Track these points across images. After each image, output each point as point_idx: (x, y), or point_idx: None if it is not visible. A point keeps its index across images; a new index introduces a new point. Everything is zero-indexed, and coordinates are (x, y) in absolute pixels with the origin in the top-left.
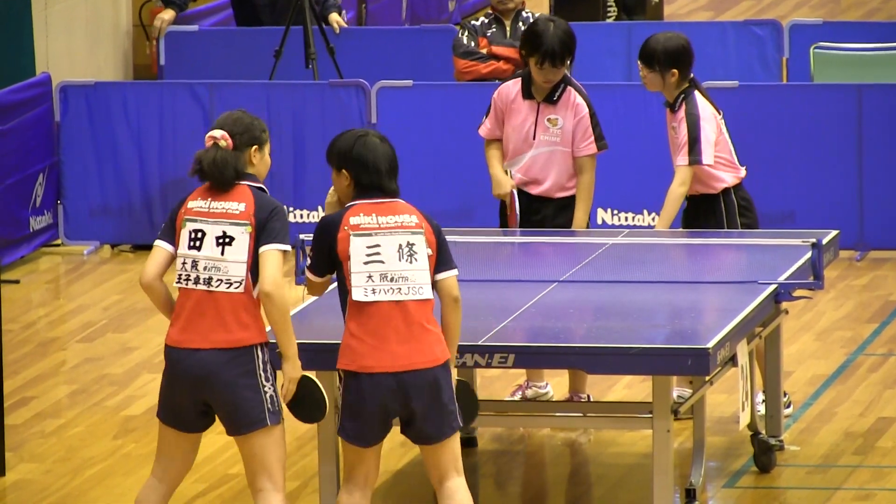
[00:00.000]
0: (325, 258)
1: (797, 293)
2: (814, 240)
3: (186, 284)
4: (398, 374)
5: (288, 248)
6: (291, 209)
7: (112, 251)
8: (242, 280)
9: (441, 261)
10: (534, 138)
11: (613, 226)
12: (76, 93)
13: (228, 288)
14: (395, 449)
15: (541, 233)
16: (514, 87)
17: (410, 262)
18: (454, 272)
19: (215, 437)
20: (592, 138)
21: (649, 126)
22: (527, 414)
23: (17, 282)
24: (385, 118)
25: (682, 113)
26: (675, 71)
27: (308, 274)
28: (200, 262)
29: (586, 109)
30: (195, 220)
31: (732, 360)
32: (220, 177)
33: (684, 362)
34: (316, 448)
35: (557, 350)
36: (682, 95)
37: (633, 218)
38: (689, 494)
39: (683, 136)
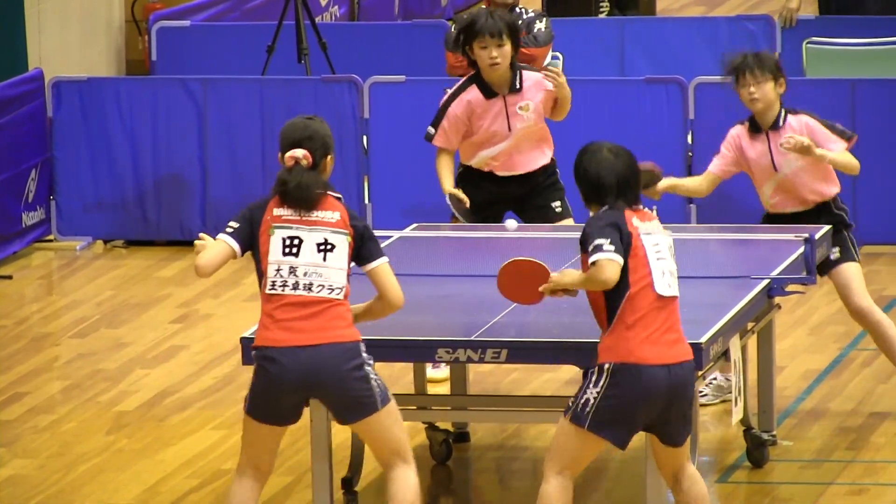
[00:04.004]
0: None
1: (790, 288)
2: (806, 235)
3: (283, 290)
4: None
5: (387, 258)
6: None
7: (105, 247)
8: (343, 287)
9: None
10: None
11: None
12: (69, 88)
13: (329, 294)
14: None
15: (535, 227)
16: None
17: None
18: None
19: (208, 433)
20: None
21: (642, 121)
22: (520, 409)
23: (9, 277)
24: (377, 113)
25: None
26: None
27: None
28: (300, 269)
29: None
30: (288, 227)
31: (725, 355)
32: (305, 200)
33: None
34: (309, 443)
35: (551, 345)
36: None
37: None
38: None
39: None
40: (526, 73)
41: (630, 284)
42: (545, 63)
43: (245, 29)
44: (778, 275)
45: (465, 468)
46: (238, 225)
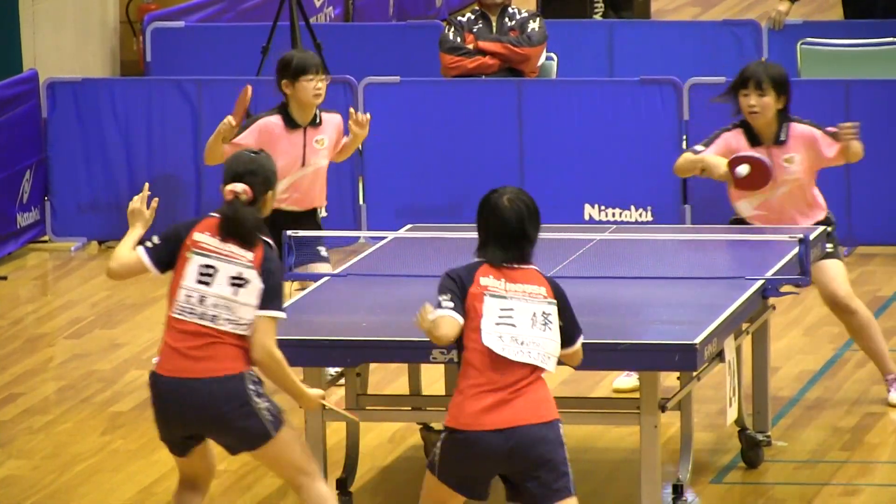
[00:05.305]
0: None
1: (784, 289)
2: (801, 235)
3: (188, 317)
4: None
5: (283, 315)
6: None
7: (100, 247)
8: (250, 323)
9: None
10: None
11: (601, 222)
12: (63, 89)
13: (235, 329)
14: (383, 445)
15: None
16: None
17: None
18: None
19: None
20: None
21: (636, 122)
22: None
23: (4, 278)
24: (372, 114)
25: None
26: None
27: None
28: (209, 299)
29: None
30: (206, 255)
31: (720, 355)
32: (240, 235)
33: (672, 358)
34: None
35: None
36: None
37: (620, 214)
38: (677, 490)
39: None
40: (794, 126)
41: (465, 346)
42: (539, 63)
43: (240, 30)
44: (772, 275)
45: None
46: (159, 243)
